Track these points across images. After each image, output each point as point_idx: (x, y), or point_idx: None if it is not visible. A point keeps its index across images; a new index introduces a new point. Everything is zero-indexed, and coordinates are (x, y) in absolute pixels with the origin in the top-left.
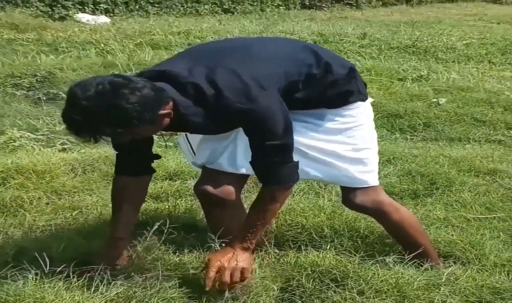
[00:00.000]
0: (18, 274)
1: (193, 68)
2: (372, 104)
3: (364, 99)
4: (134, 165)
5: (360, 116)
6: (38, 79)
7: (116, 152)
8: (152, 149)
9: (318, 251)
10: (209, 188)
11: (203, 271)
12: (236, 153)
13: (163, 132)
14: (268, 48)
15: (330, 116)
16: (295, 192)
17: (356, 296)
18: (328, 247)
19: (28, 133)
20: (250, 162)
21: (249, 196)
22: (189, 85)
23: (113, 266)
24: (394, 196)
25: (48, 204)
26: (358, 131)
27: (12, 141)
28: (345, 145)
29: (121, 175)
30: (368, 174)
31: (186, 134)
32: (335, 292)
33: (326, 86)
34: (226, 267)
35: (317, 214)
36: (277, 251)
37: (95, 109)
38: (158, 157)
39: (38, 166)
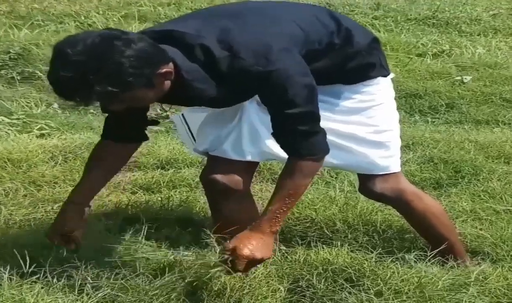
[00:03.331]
0: None
1: (203, 29)
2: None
3: (385, 74)
4: (126, 130)
5: (380, 93)
6: (12, 57)
7: (106, 115)
8: (147, 114)
9: (330, 248)
10: (218, 176)
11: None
12: (241, 138)
13: (162, 104)
14: (290, 10)
15: (347, 94)
16: None
17: (374, 297)
18: (341, 243)
19: (2, 117)
20: (272, 133)
21: None
22: (198, 47)
23: (62, 232)
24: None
25: (26, 196)
26: (379, 111)
27: None
28: (365, 127)
29: (108, 140)
30: (390, 159)
31: (183, 115)
32: (349, 293)
33: (346, 58)
34: (252, 258)
35: (328, 206)
36: (284, 248)
37: (86, 64)
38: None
39: (13, 153)
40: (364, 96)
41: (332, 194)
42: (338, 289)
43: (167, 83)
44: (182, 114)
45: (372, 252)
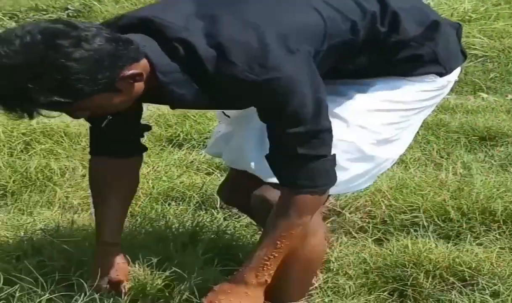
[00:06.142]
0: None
1: (193, 16)
2: None
3: (442, 73)
4: (117, 141)
5: (418, 96)
6: (70, 14)
7: (89, 124)
8: (140, 118)
9: (439, 240)
10: (268, 195)
11: None
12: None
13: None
14: None
15: (380, 87)
16: (409, 163)
17: (489, 298)
18: (453, 234)
19: None
20: (267, 156)
21: None
22: (179, 43)
23: (106, 284)
24: None
25: (84, 176)
26: (399, 116)
27: None
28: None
29: (100, 155)
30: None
31: None
32: (460, 293)
33: (388, 49)
34: None
35: (438, 192)
36: (384, 239)
37: (20, 68)
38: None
39: (71, 127)
40: (393, 95)
41: (442, 177)
42: (448, 288)
43: (139, 85)
44: None
45: (489, 246)
